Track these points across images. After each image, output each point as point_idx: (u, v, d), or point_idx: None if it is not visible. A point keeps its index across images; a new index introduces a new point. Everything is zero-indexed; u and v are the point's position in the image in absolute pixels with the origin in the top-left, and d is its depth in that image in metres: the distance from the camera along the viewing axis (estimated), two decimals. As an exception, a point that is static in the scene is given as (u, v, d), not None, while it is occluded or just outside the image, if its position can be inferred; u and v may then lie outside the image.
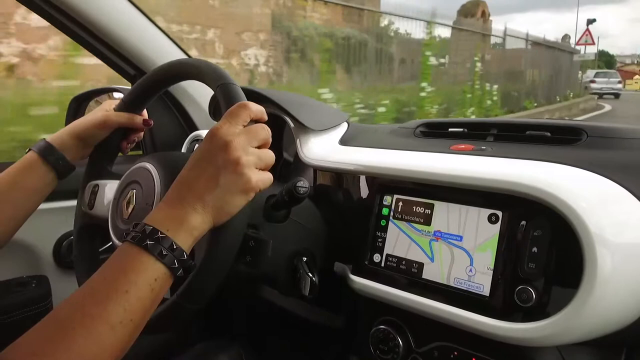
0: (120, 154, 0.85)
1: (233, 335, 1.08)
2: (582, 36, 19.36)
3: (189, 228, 0.50)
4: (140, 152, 1.25)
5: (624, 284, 0.53)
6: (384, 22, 8.24)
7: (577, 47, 18.57)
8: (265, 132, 0.56)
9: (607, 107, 16.33)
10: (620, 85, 23.64)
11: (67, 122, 1.21)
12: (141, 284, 0.46)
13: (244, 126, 0.55)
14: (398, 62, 8.42)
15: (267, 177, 0.55)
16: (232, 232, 0.56)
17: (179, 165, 0.58)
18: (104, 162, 0.81)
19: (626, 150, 0.66)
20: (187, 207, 0.50)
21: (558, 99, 13.93)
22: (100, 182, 0.80)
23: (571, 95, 15.69)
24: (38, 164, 0.74)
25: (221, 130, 0.53)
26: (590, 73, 24.49)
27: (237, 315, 1.12)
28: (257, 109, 0.57)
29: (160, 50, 1.12)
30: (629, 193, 0.57)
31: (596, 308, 0.51)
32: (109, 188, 0.78)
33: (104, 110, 0.79)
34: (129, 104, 0.78)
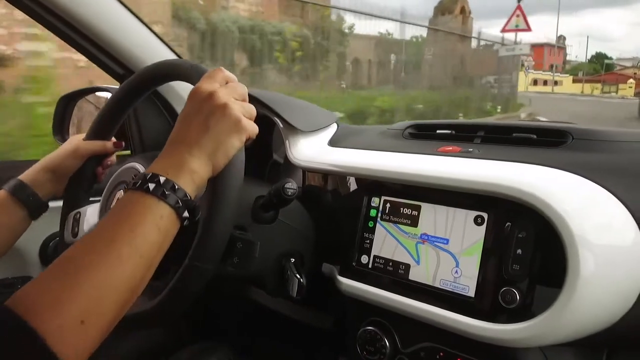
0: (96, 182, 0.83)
1: (222, 337, 1.08)
2: (510, 18, 11.87)
3: (188, 171, 0.51)
4: (129, 152, 1.24)
5: (606, 286, 0.53)
6: (335, 18, 7.30)
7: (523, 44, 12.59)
8: (243, 89, 0.58)
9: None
10: None
11: (55, 120, 1.20)
12: (147, 224, 0.48)
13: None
14: (351, 63, 7.79)
15: (255, 126, 0.57)
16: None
17: None
18: (80, 192, 0.80)
19: (610, 153, 0.67)
20: (184, 154, 0.52)
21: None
22: (81, 209, 0.79)
23: (497, 110, 11.66)
24: (9, 203, 0.73)
25: (202, 86, 0.56)
26: None
27: (225, 316, 1.12)
28: (232, 75, 0.59)
29: (148, 49, 1.11)
30: (612, 196, 0.58)
31: (579, 309, 0.52)
32: (92, 211, 0.77)
33: (74, 141, 0.79)
34: (98, 131, 0.78)
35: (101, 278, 0.43)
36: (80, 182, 0.79)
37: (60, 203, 0.82)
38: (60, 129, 1.20)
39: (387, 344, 0.70)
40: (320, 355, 0.99)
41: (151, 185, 0.49)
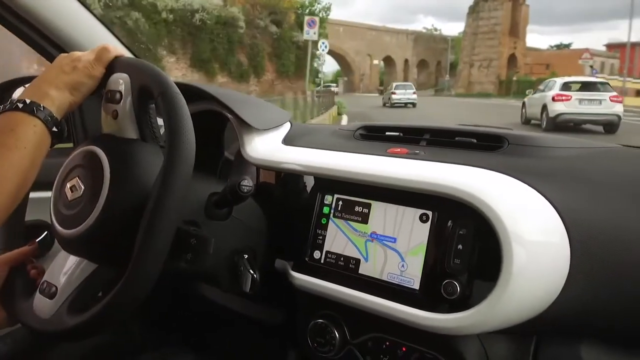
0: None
1: (177, 337, 1.07)
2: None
3: (50, 98, 0.64)
4: (71, 145, 1.19)
5: (535, 278, 0.59)
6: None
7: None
8: (102, 50, 0.70)
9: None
10: (415, 96, 26.54)
11: None
12: (23, 127, 0.60)
13: None
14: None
15: (103, 53, 0.69)
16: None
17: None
18: (20, 304, 0.71)
19: (542, 158, 0.74)
20: (44, 86, 0.65)
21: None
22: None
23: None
24: None
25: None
26: (393, 85, 27.94)
27: (176, 315, 1.11)
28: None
29: (88, 33, 1.06)
30: (543, 197, 0.64)
31: (511, 300, 0.57)
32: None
33: None
34: (6, 236, 0.75)
35: None
36: (15, 292, 0.73)
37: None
38: (-4, 119, 1.14)
39: (337, 335, 0.73)
40: (271, 350, 1.01)
41: (20, 104, 0.61)
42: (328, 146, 0.85)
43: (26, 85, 1.13)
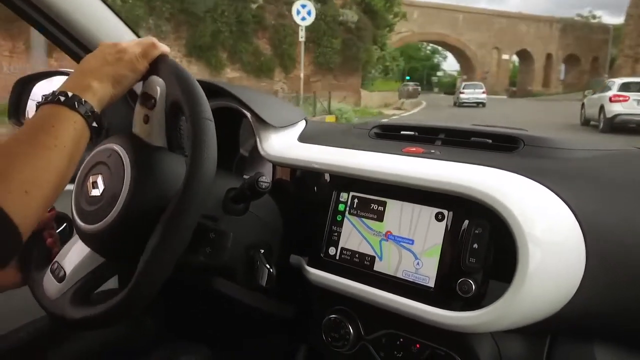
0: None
1: (190, 331, 1.08)
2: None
3: (91, 91, 0.62)
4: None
5: (550, 279, 0.60)
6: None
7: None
8: (148, 39, 0.68)
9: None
10: (484, 95, 25.98)
11: (10, 104, 1.16)
12: (63, 123, 0.58)
13: None
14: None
15: (149, 49, 0.67)
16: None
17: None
18: (36, 271, 0.76)
19: (557, 159, 0.74)
20: (86, 78, 0.63)
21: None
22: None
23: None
24: None
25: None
26: (460, 85, 27.41)
27: (191, 309, 1.12)
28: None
29: (112, 32, 1.09)
30: (559, 198, 0.64)
31: (526, 299, 0.58)
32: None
33: None
34: None
35: (35, 161, 0.55)
36: (32, 258, 0.77)
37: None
38: (16, 113, 1.16)
39: (351, 330, 0.74)
40: (281, 344, 1.02)
41: (62, 98, 0.59)
42: (343, 144, 0.86)
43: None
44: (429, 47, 64.45)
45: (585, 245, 0.62)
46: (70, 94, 0.60)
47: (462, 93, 26.29)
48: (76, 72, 0.65)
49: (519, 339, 0.68)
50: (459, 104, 25.83)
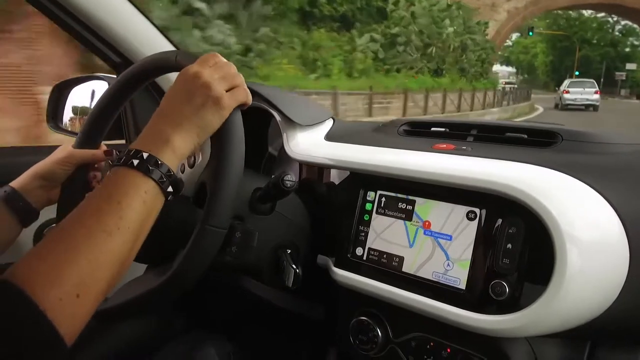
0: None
1: (214, 328, 1.09)
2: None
3: (171, 148, 0.53)
4: (123, 141, 1.24)
5: (590, 281, 0.56)
6: None
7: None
8: (230, 68, 0.60)
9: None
10: (597, 96, 21.43)
11: (49, 108, 1.20)
12: (132, 197, 0.49)
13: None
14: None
15: (238, 92, 0.59)
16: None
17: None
18: (73, 198, 0.79)
19: (598, 154, 0.70)
20: (167, 130, 0.54)
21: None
22: None
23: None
24: (1, 210, 0.73)
25: (190, 67, 0.58)
26: (565, 82, 22.81)
27: (217, 307, 1.13)
28: (222, 58, 0.61)
29: (146, 40, 1.11)
30: (599, 195, 0.60)
31: (564, 302, 0.55)
32: None
33: (64, 148, 0.79)
34: (87, 138, 0.78)
35: (92, 252, 0.45)
36: (73, 188, 0.79)
37: None
38: (54, 117, 1.20)
39: (380, 333, 0.72)
40: (310, 346, 1.01)
41: (135, 161, 0.51)
42: (371, 142, 0.84)
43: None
44: (618, 25, 44.65)
45: (629, 246, 0.58)
46: (145, 155, 0.51)
47: (567, 92, 21.45)
48: (155, 119, 0.55)
49: (557, 344, 0.64)
50: (562, 107, 21.44)
